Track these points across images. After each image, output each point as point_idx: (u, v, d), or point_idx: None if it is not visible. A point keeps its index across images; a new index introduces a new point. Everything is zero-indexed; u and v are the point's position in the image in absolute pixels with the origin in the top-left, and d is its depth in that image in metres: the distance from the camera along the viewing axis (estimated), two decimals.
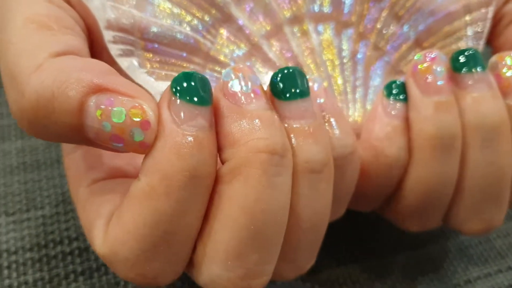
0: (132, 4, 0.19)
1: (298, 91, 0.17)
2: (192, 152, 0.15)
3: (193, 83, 0.15)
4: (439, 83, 0.19)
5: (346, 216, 0.21)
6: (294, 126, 0.17)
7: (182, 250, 0.16)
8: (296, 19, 0.22)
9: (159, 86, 0.19)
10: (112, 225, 0.16)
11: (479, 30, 0.23)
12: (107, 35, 0.18)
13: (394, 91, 0.20)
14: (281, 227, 0.16)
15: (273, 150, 0.16)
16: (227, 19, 0.21)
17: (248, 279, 0.16)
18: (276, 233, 0.16)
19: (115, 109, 0.15)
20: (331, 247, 0.25)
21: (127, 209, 0.16)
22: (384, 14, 0.23)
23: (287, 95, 0.17)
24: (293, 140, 0.17)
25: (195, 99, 0.15)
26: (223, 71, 0.17)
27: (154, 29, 0.19)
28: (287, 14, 0.22)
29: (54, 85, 0.15)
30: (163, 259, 0.16)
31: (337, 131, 0.18)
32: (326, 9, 0.22)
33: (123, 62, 0.18)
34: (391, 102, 0.20)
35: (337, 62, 0.22)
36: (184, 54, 0.20)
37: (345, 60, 0.22)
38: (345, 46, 0.22)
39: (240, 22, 0.21)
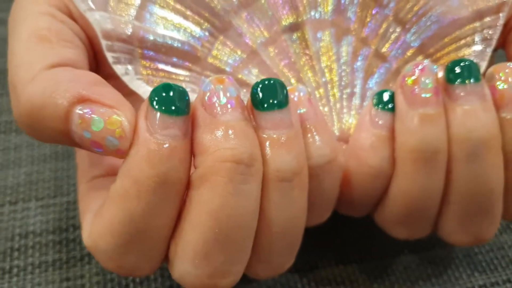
0: (132, 14, 0.20)
1: (275, 102, 0.18)
2: (162, 160, 0.16)
3: (169, 94, 0.17)
4: (425, 95, 0.19)
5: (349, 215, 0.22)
6: (269, 136, 0.18)
7: (155, 248, 0.18)
8: (295, 26, 0.23)
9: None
10: (95, 220, 0.18)
11: (488, 37, 0.23)
12: (105, 45, 0.20)
13: (382, 101, 0.20)
14: (248, 232, 0.18)
15: (239, 160, 0.17)
16: (226, 27, 0.22)
17: (215, 278, 0.18)
18: (242, 237, 0.17)
19: (95, 118, 0.16)
20: (332, 246, 0.26)
21: (106, 207, 0.17)
22: (388, 20, 0.23)
23: (265, 106, 0.18)
24: (266, 149, 0.18)
25: (170, 109, 0.17)
26: (205, 81, 0.18)
27: (152, 37, 0.21)
28: (287, 21, 0.22)
29: (44, 95, 0.17)
30: (137, 254, 0.18)
31: (315, 141, 0.19)
32: (328, 15, 0.23)
33: (119, 70, 0.20)
34: (378, 111, 0.20)
35: (335, 69, 0.23)
36: (181, 62, 0.21)
37: (343, 67, 0.23)
38: (344, 53, 0.23)
39: (239, 30, 0.22)
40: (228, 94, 0.17)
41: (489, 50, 0.23)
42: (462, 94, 0.19)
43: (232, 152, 0.17)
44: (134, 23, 0.20)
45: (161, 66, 0.21)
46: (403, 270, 0.25)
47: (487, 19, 0.23)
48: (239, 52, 0.22)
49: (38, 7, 0.19)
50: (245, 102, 0.18)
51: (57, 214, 0.26)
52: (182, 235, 0.17)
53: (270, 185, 0.18)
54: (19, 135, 0.29)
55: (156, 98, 0.17)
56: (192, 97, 0.18)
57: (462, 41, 0.23)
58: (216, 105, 0.17)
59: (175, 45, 0.21)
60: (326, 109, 0.22)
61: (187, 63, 0.21)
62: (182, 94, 0.17)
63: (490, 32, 0.23)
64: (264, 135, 0.18)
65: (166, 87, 0.17)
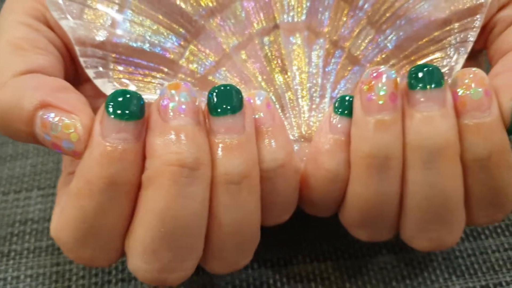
0: (107, 20, 0.22)
1: (228, 107, 0.19)
2: (112, 162, 0.18)
3: (122, 100, 0.18)
4: (380, 101, 0.19)
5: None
6: (221, 140, 0.19)
7: (110, 243, 0.19)
8: (268, 30, 0.23)
9: None
10: (59, 214, 0.19)
11: (465, 39, 0.22)
12: (79, 50, 0.21)
13: (341, 106, 0.20)
14: (195, 231, 0.19)
15: (184, 163, 0.18)
16: (199, 31, 0.23)
17: (164, 273, 0.19)
18: (189, 236, 0.19)
19: (53, 122, 0.18)
20: (309, 242, 0.26)
21: (65, 203, 0.19)
22: (362, 23, 0.23)
23: (218, 111, 0.19)
24: (217, 153, 0.19)
25: (122, 114, 0.18)
26: (163, 86, 0.19)
27: (125, 42, 0.22)
28: (260, 25, 0.23)
29: (12, 101, 0.18)
30: (93, 248, 0.19)
31: (269, 145, 0.19)
32: (300, 19, 0.23)
33: (92, 74, 0.21)
34: (337, 116, 0.20)
35: (306, 72, 0.23)
36: (154, 65, 0.22)
37: (314, 70, 0.23)
38: (316, 56, 0.23)
39: (212, 34, 0.23)
40: (182, 100, 0.18)
41: (465, 53, 0.22)
42: (422, 99, 0.19)
43: (177, 156, 0.18)
44: (108, 29, 0.22)
45: (133, 69, 0.22)
46: (378, 270, 0.26)
47: (465, 21, 0.22)
48: (211, 56, 0.23)
49: (15, 17, 0.20)
50: None
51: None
52: (133, 232, 0.19)
53: (219, 187, 0.19)
54: None
55: (111, 104, 0.18)
56: None
57: (438, 44, 0.23)
58: (169, 110, 0.18)
59: (148, 49, 0.22)
60: (294, 111, 0.23)
61: (159, 67, 0.22)
62: (136, 99, 0.18)
63: (467, 34, 0.22)
64: (217, 139, 0.19)
65: (120, 93, 0.18)
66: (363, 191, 0.20)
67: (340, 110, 0.20)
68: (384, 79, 0.19)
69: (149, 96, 0.21)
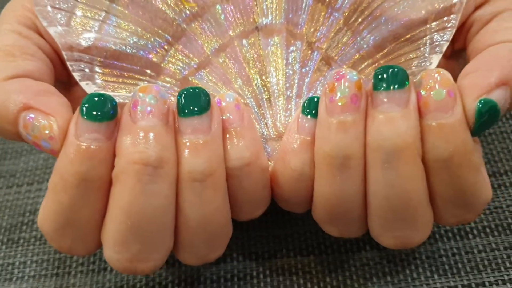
0: (94, 26, 0.23)
1: (195, 109, 0.20)
2: (83, 160, 0.19)
3: (94, 103, 0.19)
4: (340, 102, 0.20)
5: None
6: (187, 140, 0.20)
7: (87, 233, 0.21)
8: (247, 33, 0.24)
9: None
10: (42, 207, 0.21)
11: (442, 38, 0.22)
12: (66, 55, 0.23)
13: (309, 107, 0.21)
14: (162, 225, 0.20)
15: (147, 162, 0.19)
16: (180, 35, 0.24)
17: (134, 263, 0.20)
18: (156, 230, 0.20)
19: (33, 123, 0.20)
20: (293, 238, 0.27)
21: (46, 196, 0.21)
22: (339, 24, 0.24)
23: (185, 112, 0.20)
24: (184, 152, 0.20)
25: (93, 116, 0.19)
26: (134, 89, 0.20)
27: (110, 46, 0.23)
28: (239, 28, 0.24)
29: None
30: (72, 238, 0.21)
31: (235, 145, 0.20)
32: (278, 21, 0.24)
33: (79, 77, 0.23)
34: (304, 117, 0.21)
35: (283, 73, 0.24)
36: (138, 68, 0.24)
37: (291, 71, 0.24)
38: (293, 57, 0.24)
39: (193, 37, 0.24)
40: (150, 102, 0.20)
41: (440, 52, 0.22)
42: (385, 100, 0.20)
43: (140, 155, 0.19)
44: (94, 34, 0.23)
45: (118, 72, 0.23)
46: (360, 266, 0.26)
47: (441, 20, 0.22)
48: (192, 58, 0.24)
49: (7, 25, 0.22)
50: None
51: None
52: (105, 224, 0.20)
53: (183, 185, 0.20)
54: None
55: (84, 106, 0.19)
56: None
57: (414, 44, 0.23)
58: (138, 111, 0.20)
59: (133, 52, 0.23)
60: (272, 111, 0.24)
61: (143, 69, 0.24)
62: (108, 102, 0.20)
63: (442, 34, 0.22)
64: (184, 139, 0.20)
65: (94, 95, 0.20)
66: (326, 189, 0.21)
67: (307, 110, 0.21)
68: (345, 81, 0.20)
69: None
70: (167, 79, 0.24)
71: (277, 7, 0.24)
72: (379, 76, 0.20)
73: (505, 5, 0.22)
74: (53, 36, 0.22)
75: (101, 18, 0.23)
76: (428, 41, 0.23)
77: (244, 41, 0.24)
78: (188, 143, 0.20)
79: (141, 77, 0.24)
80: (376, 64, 0.23)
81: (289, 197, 0.22)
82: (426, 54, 0.22)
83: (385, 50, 0.23)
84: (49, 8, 0.22)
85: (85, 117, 0.19)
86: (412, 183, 0.20)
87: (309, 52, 0.24)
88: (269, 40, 0.24)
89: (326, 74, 0.24)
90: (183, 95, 0.20)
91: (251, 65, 0.24)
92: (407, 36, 0.23)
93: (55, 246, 0.21)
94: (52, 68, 0.23)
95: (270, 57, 0.24)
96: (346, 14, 0.24)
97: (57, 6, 0.23)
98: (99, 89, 0.23)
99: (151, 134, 0.19)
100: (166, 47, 0.24)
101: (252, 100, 0.24)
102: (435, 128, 0.19)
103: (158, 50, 0.24)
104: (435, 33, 0.22)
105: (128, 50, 0.23)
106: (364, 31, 0.23)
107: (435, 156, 0.20)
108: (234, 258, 0.27)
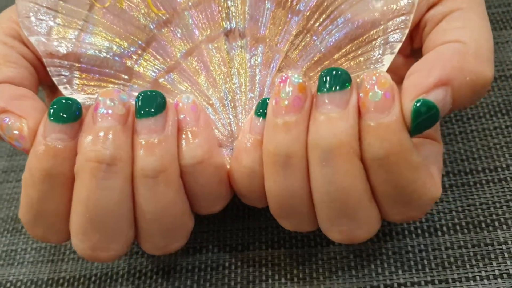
0: (73, 35, 0.25)
1: (151, 110, 0.22)
2: (48, 158, 0.21)
3: (59, 106, 0.22)
4: (283, 104, 0.21)
5: None
6: (142, 139, 0.22)
7: (56, 224, 0.23)
8: (214, 37, 0.25)
9: (85, 98, 0.25)
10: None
11: (396, 39, 0.23)
12: (46, 61, 0.25)
13: (261, 108, 0.22)
14: (118, 217, 0.22)
15: (102, 160, 0.21)
16: (151, 40, 0.26)
17: (96, 251, 0.22)
18: (113, 222, 0.22)
19: (7, 124, 0.22)
20: (267, 231, 0.28)
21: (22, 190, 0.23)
22: (299, 26, 0.25)
23: (141, 113, 0.22)
24: (138, 151, 0.22)
25: (59, 118, 0.21)
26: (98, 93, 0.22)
27: (87, 52, 0.25)
28: (206, 32, 0.25)
29: None
30: (43, 228, 0.23)
31: (189, 144, 0.22)
32: (242, 25, 0.25)
33: (58, 81, 0.25)
34: (256, 117, 0.22)
35: (247, 75, 0.25)
36: (113, 72, 0.26)
37: (254, 73, 0.25)
38: (256, 60, 0.25)
39: (163, 42, 0.26)
40: (110, 104, 0.22)
41: (393, 53, 0.23)
42: (326, 101, 0.21)
43: (95, 153, 0.21)
44: (73, 42, 0.25)
45: (95, 76, 0.25)
46: (327, 260, 0.27)
47: (394, 21, 0.23)
48: (163, 62, 0.26)
49: None
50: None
51: None
52: (71, 216, 0.22)
53: (137, 180, 0.22)
54: None
55: (51, 109, 0.22)
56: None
57: (369, 45, 0.23)
58: (98, 113, 0.22)
59: (108, 57, 0.25)
60: (235, 112, 0.25)
61: (118, 73, 0.26)
62: (73, 105, 0.22)
63: (396, 35, 0.23)
64: (139, 139, 0.22)
65: (60, 99, 0.22)
66: (272, 186, 0.22)
67: (259, 111, 0.22)
68: (289, 84, 0.21)
69: None
70: (140, 82, 0.26)
71: (241, 12, 0.25)
72: (323, 79, 0.21)
73: (455, 5, 0.22)
74: (34, 44, 0.25)
75: (79, 27, 0.25)
76: (382, 42, 0.23)
77: (210, 45, 0.25)
78: (143, 142, 0.22)
79: (116, 81, 0.26)
80: (334, 65, 0.24)
81: (246, 193, 0.23)
82: (379, 55, 0.23)
83: (343, 51, 0.24)
84: (31, 19, 0.25)
85: (52, 118, 0.21)
86: (348, 180, 0.20)
87: (271, 54, 0.25)
88: (234, 44, 0.25)
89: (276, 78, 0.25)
90: (140, 97, 0.22)
91: (216, 68, 0.25)
92: (362, 37, 0.24)
93: (31, 235, 0.24)
94: (35, 74, 0.25)
95: (234, 60, 0.25)
96: (306, 17, 0.24)
97: (38, 17, 0.25)
98: (74, 93, 0.25)
99: (107, 134, 0.21)
100: (139, 52, 0.26)
101: (217, 101, 0.25)
102: (372, 128, 0.20)
103: (132, 55, 0.26)
104: (388, 34, 0.23)
105: (104, 56, 0.25)
106: (323, 32, 0.24)
107: (371, 155, 0.20)
108: (209, 249, 0.28)
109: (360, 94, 0.20)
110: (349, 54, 0.24)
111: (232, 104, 0.25)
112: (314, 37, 0.24)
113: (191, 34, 0.26)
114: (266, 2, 0.25)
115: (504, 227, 0.26)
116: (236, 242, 0.28)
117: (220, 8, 0.26)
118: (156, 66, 0.26)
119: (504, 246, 0.26)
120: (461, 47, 0.21)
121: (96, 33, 0.26)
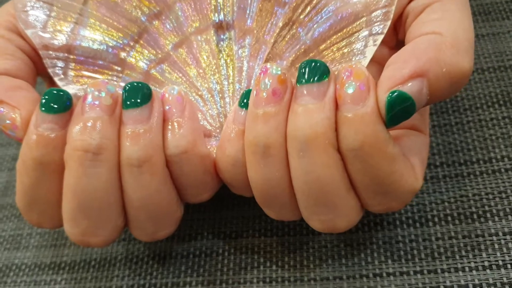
0: (68, 28, 0.26)
1: (138, 101, 0.22)
2: (39, 146, 0.22)
3: (50, 97, 0.22)
4: (261, 95, 0.21)
5: None
6: (127, 129, 0.22)
7: (48, 210, 0.24)
8: (203, 29, 0.26)
9: (79, 89, 0.26)
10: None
11: (378, 31, 0.23)
12: (43, 54, 0.26)
13: (244, 99, 0.23)
14: (105, 204, 0.22)
15: (88, 149, 0.22)
16: (143, 32, 0.26)
17: (85, 236, 0.23)
18: (101, 208, 0.23)
19: (3, 114, 0.23)
20: (261, 220, 0.29)
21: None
22: (285, 18, 0.25)
23: (128, 103, 0.22)
24: (124, 140, 0.22)
25: (50, 108, 0.22)
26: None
27: (82, 44, 0.26)
28: (195, 25, 0.26)
29: None
30: (37, 213, 0.24)
31: (174, 134, 0.23)
32: (229, 18, 0.25)
33: (53, 73, 0.26)
34: (240, 108, 0.23)
35: (234, 66, 0.25)
36: (106, 63, 0.26)
37: (241, 64, 0.25)
38: (244, 52, 0.25)
39: (155, 34, 0.26)
40: (98, 95, 0.22)
41: (375, 45, 0.23)
42: (304, 92, 0.21)
43: (82, 143, 0.22)
44: (69, 34, 0.26)
45: (89, 68, 0.26)
46: (318, 248, 0.27)
47: (377, 13, 0.23)
48: (154, 53, 0.26)
49: None
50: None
51: None
52: (62, 203, 0.23)
53: (123, 169, 0.22)
54: None
55: (43, 100, 0.22)
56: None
57: (352, 37, 0.23)
58: (86, 104, 0.22)
59: (102, 49, 0.26)
60: (223, 103, 0.25)
61: (111, 65, 0.26)
62: (63, 96, 0.22)
63: (378, 27, 0.23)
64: (125, 129, 0.22)
65: (51, 91, 0.22)
66: (254, 175, 0.22)
67: (243, 102, 0.23)
68: (269, 75, 0.21)
69: None
70: (132, 73, 0.26)
71: (229, 5, 0.26)
72: (302, 70, 0.21)
73: None
74: (30, 37, 0.26)
75: (74, 20, 0.26)
76: (366, 34, 0.23)
77: (200, 37, 0.26)
78: (129, 132, 0.22)
79: (110, 72, 0.26)
80: (319, 56, 0.24)
81: (231, 182, 0.24)
82: (361, 47, 0.23)
83: (327, 43, 0.24)
84: (28, 12, 0.26)
85: (43, 109, 0.22)
86: (325, 171, 0.21)
87: (258, 46, 0.25)
88: (222, 36, 0.26)
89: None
90: (127, 88, 0.22)
91: (205, 59, 0.26)
92: (346, 29, 0.24)
93: (27, 220, 0.25)
94: (32, 65, 0.26)
95: (223, 51, 0.26)
96: (292, 8, 0.25)
97: (35, 10, 0.26)
98: (69, 84, 0.26)
99: (95, 124, 0.22)
100: (131, 44, 0.26)
101: (206, 92, 0.26)
102: (347, 119, 0.20)
103: (125, 47, 0.26)
104: (371, 26, 0.23)
105: (97, 48, 0.26)
106: (309, 24, 0.24)
107: (346, 146, 0.20)
108: (204, 236, 0.29)
109: (338, 86, 0.21)
110: (334, 46, 0.24)
111: (220, 95, 0.25)
112: (299, 29, 0.25)
113: (181, 26, 0.26)
114: None
115: (496, 218, 0.26)
116: (230, 229, 0.29)
117: (209, 0, 0.26)
118: (147, 58, 0.26)
119: (494, 238, 0.26)
120: (437, 38, 0.20)
121: (90, 26, 0.26)
